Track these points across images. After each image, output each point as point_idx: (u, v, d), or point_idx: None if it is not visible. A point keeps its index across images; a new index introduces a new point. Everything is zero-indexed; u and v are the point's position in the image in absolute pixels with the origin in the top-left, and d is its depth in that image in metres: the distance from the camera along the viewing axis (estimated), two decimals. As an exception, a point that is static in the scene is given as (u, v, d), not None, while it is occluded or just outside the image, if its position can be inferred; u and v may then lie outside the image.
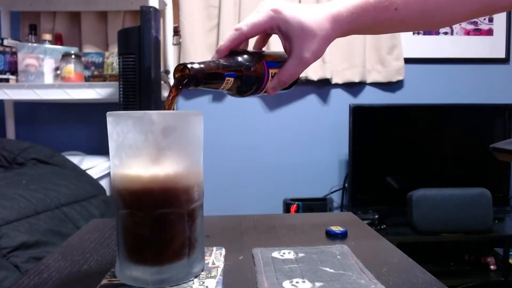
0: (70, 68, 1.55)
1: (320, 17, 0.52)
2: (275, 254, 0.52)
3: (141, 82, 1.33)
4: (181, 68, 0.47)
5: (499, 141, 0.80)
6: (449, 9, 0.52)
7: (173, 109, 0.47)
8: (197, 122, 0.45)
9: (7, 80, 1.58)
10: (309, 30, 0.51)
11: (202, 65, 0.48)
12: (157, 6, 1.46)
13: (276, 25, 0.52)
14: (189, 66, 0.47)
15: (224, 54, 0.52)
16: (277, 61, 0.56)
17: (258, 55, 0.55)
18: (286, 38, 0.53)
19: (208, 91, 1.98)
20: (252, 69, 0.52)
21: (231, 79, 0.51)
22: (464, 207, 1.64)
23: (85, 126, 1.95)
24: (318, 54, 0.53)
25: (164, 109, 0.47)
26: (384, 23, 0.54)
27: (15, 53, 1.59)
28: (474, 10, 0.52)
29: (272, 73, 0.55)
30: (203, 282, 0.44)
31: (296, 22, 0.51)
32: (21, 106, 1.93)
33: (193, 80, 0.47)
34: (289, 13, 0.52)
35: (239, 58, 0.52)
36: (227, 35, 0.53)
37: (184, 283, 0.44)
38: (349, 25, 0.53)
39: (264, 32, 0.54)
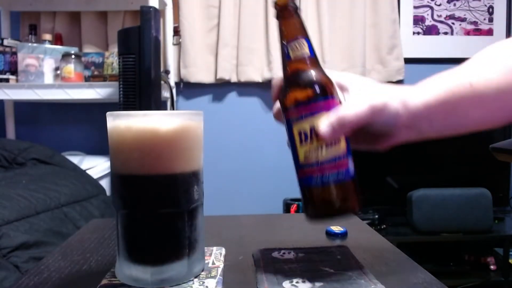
0: (70, 68, 1.55)
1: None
2: (275, 254, 0.52)
3: (141, 82, 1.33)
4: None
5: (499, 141, 0.80)
6: None
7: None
8: (197, 122, 0.45)
9: (7, 80, 1.58)
10: None
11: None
12: (157, 6, 1.46)
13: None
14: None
15: None
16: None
17: None
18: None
19: (207, 91, 1.99)
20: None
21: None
22: (464, 207, 1.64)
23: (85, 126, 1.95)
24: None
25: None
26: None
27: (15, 53, 1.58)
28: None
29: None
30: (203, 282, 0.44)
31: None
32: (21, 106, 1.93)
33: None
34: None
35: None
36: None
37: (184, 283, 0.44)
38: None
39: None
